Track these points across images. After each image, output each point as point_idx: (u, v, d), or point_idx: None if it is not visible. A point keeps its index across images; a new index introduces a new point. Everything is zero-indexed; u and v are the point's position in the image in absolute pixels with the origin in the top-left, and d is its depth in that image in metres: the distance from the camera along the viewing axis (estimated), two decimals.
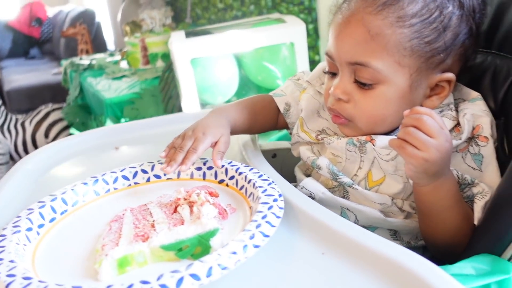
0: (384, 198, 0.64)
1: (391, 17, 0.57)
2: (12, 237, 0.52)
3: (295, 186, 0.69)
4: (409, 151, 0.53)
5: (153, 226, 0.53)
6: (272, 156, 0.90)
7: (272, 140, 0.97)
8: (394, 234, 0.66)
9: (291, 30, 1.50)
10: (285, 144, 0.91)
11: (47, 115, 2.70)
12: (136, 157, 0.85)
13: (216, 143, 0.65)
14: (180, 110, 1.62)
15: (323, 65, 0.71)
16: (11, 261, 0.47)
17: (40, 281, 0.44)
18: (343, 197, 0.67)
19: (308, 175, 0.73)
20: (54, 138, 2.62)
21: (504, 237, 0.52)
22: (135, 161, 0.70)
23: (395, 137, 0.57)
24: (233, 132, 0.72)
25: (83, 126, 2.08)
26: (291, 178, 0.76)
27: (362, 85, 0.61)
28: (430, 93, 0.62)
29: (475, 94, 0.65)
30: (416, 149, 0.53)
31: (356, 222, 0.65)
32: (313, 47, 1.79)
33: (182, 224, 0.52)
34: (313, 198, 0.67)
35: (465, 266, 0.50)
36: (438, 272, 0.42)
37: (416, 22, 0.57)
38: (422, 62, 0.58)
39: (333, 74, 0.65)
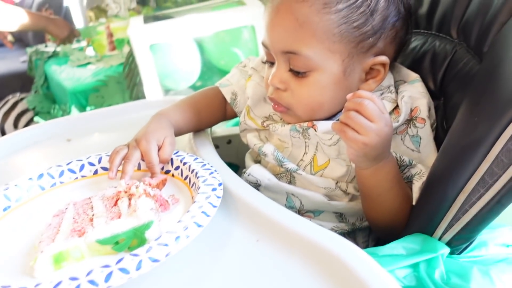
0: (328, 182, 0.65)
1: (317, 3, 0.57)
2: None
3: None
4: (350, 135, 0.54)
5: (91, 220, 0.53)
6: (227, 142, 0.91)
7: (228, 126, 0.97)
8: (340, 217, 0.68)
9: (250, 13, 1.48)
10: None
11: (15, 105, 2.63)
12: (91, 148, 0.84)
13: (161, 146, 0.64)
14: (145, 97, 1.61)
15: None
16: None
17: None
18: (290, 182, 0.68)
19: (258, 161, 0.74)
20: None
21: (435, 216, 0.54)
22: (89, 152, 0.70)
23: (336, 121, 0.58)
24: (179, 133, 0.71)
25: (49, 115, 2.04)
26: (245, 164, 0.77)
27: (297, 73, 0.61)
28: (366, 77, 0.62)
29: (414, 75, 0.66)
30: (356, 133, 0.54)
31: (302, 207, 0.67)
32: None
33: (120, 217, 0.52)
34: (259, 185, 0.67)
35: (396, 246, 0.51)
36: (361, 255, 0.43)
37: (342, 7, 0.57)
38: (353, 47, 0.59)
39: (271, 64, 0.65)
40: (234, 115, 0.79)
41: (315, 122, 0.64)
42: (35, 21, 1.88)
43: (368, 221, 0.66)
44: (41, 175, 0.65)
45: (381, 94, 0.65)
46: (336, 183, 0.65)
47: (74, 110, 1.74)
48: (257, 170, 0.68)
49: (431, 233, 0.54)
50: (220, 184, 0.56)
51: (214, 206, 0.52)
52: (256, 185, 0.68)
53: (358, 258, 0.43)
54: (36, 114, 2.13)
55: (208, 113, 0.76)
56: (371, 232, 0.71)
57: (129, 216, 0.52)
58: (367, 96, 0.54)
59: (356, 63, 0.60)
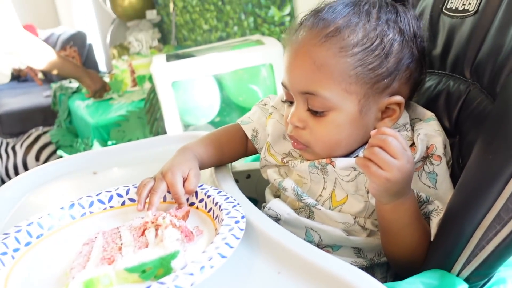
0: (347, 217, 0.67)
1: (334, 48, 0.61)
2: None
3: (265, 206, 0.72)
4: (373, 170, 0.56)
5: (120, 249, 0.56)
6: (247, 177, 0.93)
7: (247, 161, 0.99)
8: (358, 252, 0.69)
9: (269, 52, 1.54)
10: (258, 165, 0.94)
11: (37, 138, 2.72)
12: (115, 180, 0.87)
13: (186, 178, 0.67)
14: (165, 132, 1.66)
15: None
16: None
17: None
18: (309, 217, 0.70)
19: (277, 196, 0.76)
20: (45, 161, 2.63)
21: (453, 252, 0.55)
22: (113, 184, 0.73)
23: (354, 158, 0.60)
24: (202, 166, 0.74)
25: (71, 149, 2.11)
26: (265, 198, 0.79)
27: (315, 113, 0.64)
28: (382, 116, 0.65)
29: (429, 114, 0.68)
30: (379, 168, 0.56)
31: (320, 241, 0.68)
32: None
33: (147, 246, 0.55)
34: (279, 219, 0.69)
35: (415, 281, 0.52)
36: None
37: (358, 51, 0.61)
38: (369, 88, 0.62)
39: (290, 103, 0.68)
40: (255, 151, 0.82)
41: (333, 159, 0.66)
42: (72, 70, 2.03)
43: (386, 256, 0.67)
44: (72, 205, 0.68)
45: (397, 132, 0.67)
46: (355, 218, 0.67)
47: (96, 144, 1.79)
48: (277, 204, 0.70)
49: (449, 269, 0.55)
50: (243, 217, 0.59)
51: (237, 238, 0.54)
52: (276, 219, 0.69)
53: None
54: (59, 147, 2.20)
55: (230, 148, 0.79)
56: (389, 268, 0.71)
57: (156, 246, 0.54)
58: (390, 134, 0.56)
59: (372, 103, 0.63)
